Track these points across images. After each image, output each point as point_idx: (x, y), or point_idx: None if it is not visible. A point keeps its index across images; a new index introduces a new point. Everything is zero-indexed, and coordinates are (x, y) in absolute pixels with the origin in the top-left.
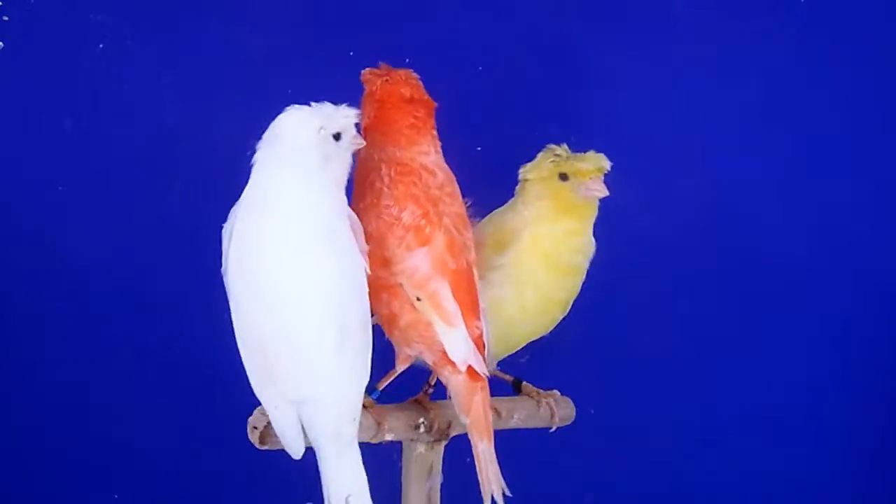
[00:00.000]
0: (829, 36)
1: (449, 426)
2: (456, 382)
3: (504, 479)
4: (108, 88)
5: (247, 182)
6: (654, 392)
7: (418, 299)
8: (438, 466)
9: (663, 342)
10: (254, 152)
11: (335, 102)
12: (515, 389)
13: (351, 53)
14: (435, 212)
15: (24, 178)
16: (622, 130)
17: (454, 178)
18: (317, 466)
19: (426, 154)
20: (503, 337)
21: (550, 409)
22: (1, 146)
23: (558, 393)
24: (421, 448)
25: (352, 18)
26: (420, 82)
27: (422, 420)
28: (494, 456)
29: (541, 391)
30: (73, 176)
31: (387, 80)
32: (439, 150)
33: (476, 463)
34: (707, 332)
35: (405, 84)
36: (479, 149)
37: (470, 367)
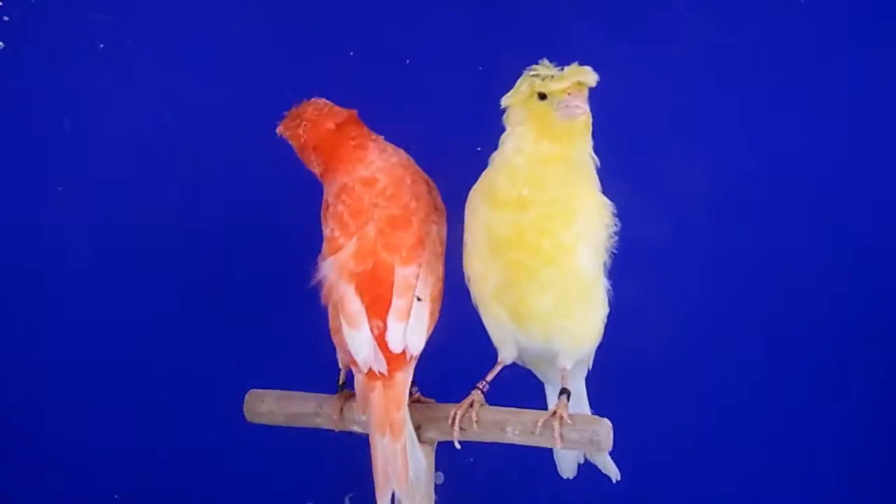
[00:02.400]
0: (829, 36)
1: (418, 427)
2: (357, 380)
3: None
4: (108, 88)
5: (246, 181)
6: (653, 391)
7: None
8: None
9: (663, 342)
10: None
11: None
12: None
13: (351, 53)
14: (356, 222)
15: (24, 178)
16: (622, 130)
17: (406, 168)
18: (315, 468)
19: (370, 163)
20: (488, 294)
21: (552, 429)
22: (1, 146)
23: (565, 415)
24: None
25: (352, 18)
26: (329, 104)
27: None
28: (399, 453)
29: (558, 411)
30: (73, 176)
31: (306, 125)
32: (385, 146)
33: (372, 460)
34: (707, 331)
35: (326, 117)
36: (479, 149)
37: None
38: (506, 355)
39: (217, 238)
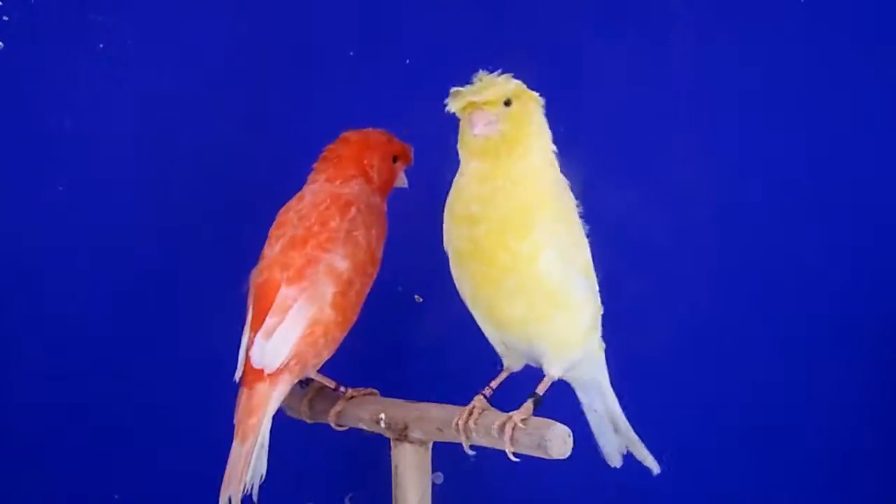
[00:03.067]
0: (829, 36)
1: (406, 427)
2: None
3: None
4: (108, 88)
5: (247, 181)
6: (652, 392)
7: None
8: (402, 467)
9: (662, 342)
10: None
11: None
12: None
13: (351, 53)
14: (276, 234)
15: (24, 178)
16: (622, 131)
17: (333, 199)
18: (315, 467)
19: (315, 182)
20: (468, 303)
21: (504, 434)
22: (1, 146)
23: (517, 418)
24: (392, 444)
25: (352, 18)
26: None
27: (381, 415)
28: (242, 457)
29: (517, 414)
30: (73, 176)
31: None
32: (347, 179)
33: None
34: (705, 332)
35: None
36: None
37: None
38: (509, 363)
39: (218, 238)
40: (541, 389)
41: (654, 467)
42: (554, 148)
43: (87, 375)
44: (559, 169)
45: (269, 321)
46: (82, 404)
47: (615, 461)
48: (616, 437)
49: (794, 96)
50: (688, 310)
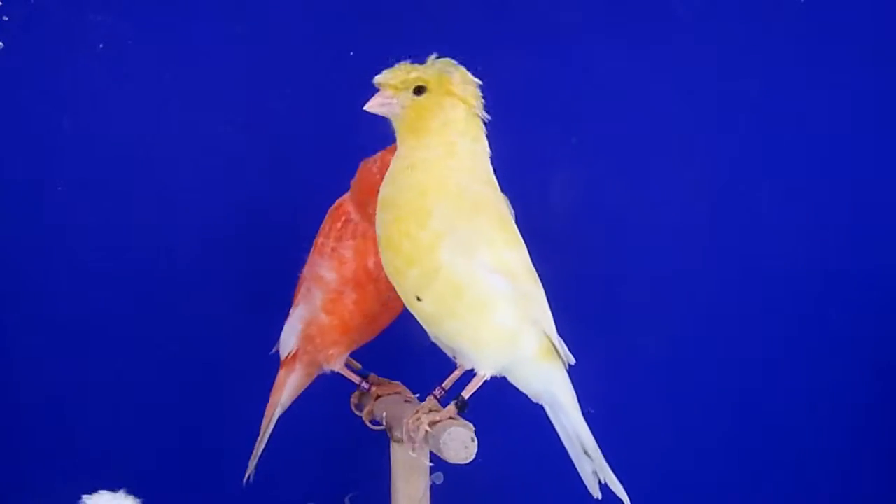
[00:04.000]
0: (829, 36)
1: (391, 429)
2: None
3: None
4: (108, 88)
5: (247, 181)
6: (653, 392)
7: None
8: (397, 467)
9: (661, 342)
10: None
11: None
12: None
13: (351, 53)
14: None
15: (23, 178)
16: (622, 131)
17: (337, 207)
18: (315, 467)
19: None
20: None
21: (418, 434)
22: (1, 146)
23: (426, 420)
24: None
25: (352, 18)
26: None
27: (384, 413)
28: (260, 434)
29: (426, 415)
30: (73, 176)
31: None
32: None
33: None
34: (705, 332)
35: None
36: None
37: None
38: (461, 360)
39: (217, 236)
40: (467, 392)
41: (625, 498)
42: (479, 148)
43: (87, 374)
44: (490, 172)
45: (290, 311)
46: (82, 404)
47: (593, 490)
48: (588, 460)
49: (793, 96)
50: (684, 315)
